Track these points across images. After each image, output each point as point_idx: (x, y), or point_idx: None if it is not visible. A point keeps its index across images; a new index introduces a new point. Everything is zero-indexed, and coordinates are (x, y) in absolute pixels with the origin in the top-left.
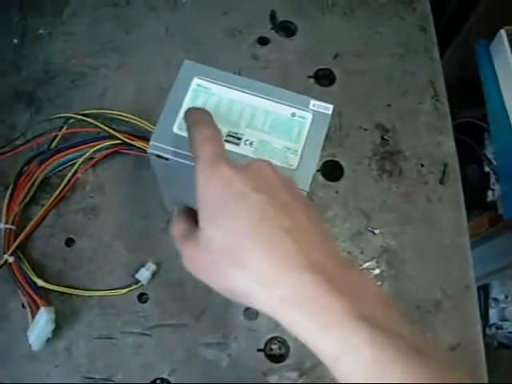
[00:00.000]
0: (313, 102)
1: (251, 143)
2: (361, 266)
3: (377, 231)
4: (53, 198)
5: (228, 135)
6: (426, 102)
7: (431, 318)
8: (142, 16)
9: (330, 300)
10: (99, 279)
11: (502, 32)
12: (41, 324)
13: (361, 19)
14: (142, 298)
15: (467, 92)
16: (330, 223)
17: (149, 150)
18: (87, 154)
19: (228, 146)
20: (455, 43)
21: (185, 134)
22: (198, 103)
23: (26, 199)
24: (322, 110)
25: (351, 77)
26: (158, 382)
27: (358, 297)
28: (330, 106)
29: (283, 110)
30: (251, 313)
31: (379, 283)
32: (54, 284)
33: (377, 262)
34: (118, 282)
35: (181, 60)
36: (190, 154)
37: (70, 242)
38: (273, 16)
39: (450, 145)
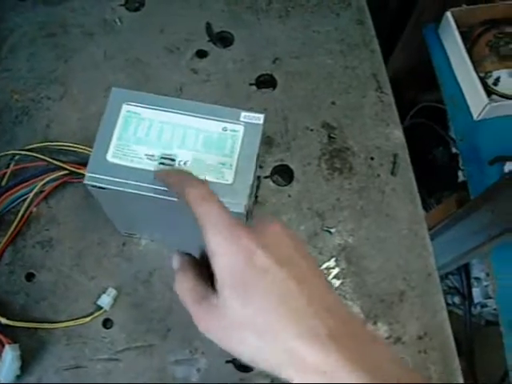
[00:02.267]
0: (244, 113)
1: (185, 163)
2: (320, 266)
3: (333, 230)
4: (8, 234)
5: (162, 157)
6: (370, 95)
7: (396, 310)
8: (79, 43)
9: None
10: (62, 310)
11: (448, 14)
12: (7, 362)
13: (297, 20)
14: (107, 323)
15: (424, 77)
16: (287, 226)
17: (85, 182)
18: (37, 188)
19: (162, 168)
20: (406, 31)
21: (120, 161)
22: (130, 129)
23: None
24: (253, 121)
25: (292, 79)
26: None
27: (378, 369)
28: (261, 116)
29: (214, 126)
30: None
31: (340, 281)
32: (18, 320)
33: (336, 261)
34: (82, 311)
35: (122, 82)
36: (125, 180)
37: (30, 277)
38: (208, 28)
39: (398, 135)
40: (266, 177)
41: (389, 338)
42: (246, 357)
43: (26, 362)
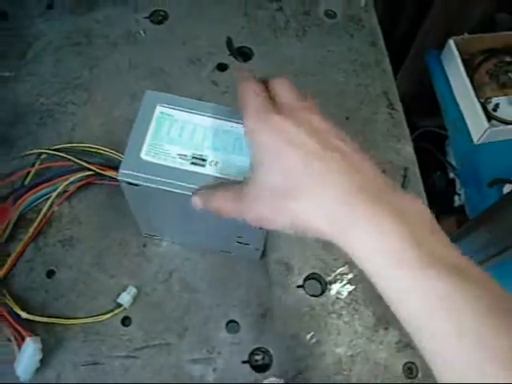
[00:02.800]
0: None
1: (216, 163)
2: (334, 271)
3: None
4: (30, 232)
5: (193, 157)
6: (381, 111)
7: None
8: (103, 52)
9: (381, 218)
10: (81, 307)
11: (451, 42)
12: (28, 354)
13: (313, 40)
14: (126, 321)
15: (425, 102)
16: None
17: (119, 178)
18: (61, 188)
19: (194, 168)
20: (409, 57)
21: (153, 159)
22: (163, 129)
23: (4, 237)
24: None
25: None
26: None
27: (407, 217)
28: None
29: (243, 130)
30: (233, 326)
31: (354, 287)
32: (37, 315)
33: (349, 267)
34: (101, 308)
35: (144, 90)
36: (159, 178)
37: (50, 274)
38: (229, 42)
39: (408, 150)
40: None
41: (398, 344)
42: (286, 223)
43: (43, 357)
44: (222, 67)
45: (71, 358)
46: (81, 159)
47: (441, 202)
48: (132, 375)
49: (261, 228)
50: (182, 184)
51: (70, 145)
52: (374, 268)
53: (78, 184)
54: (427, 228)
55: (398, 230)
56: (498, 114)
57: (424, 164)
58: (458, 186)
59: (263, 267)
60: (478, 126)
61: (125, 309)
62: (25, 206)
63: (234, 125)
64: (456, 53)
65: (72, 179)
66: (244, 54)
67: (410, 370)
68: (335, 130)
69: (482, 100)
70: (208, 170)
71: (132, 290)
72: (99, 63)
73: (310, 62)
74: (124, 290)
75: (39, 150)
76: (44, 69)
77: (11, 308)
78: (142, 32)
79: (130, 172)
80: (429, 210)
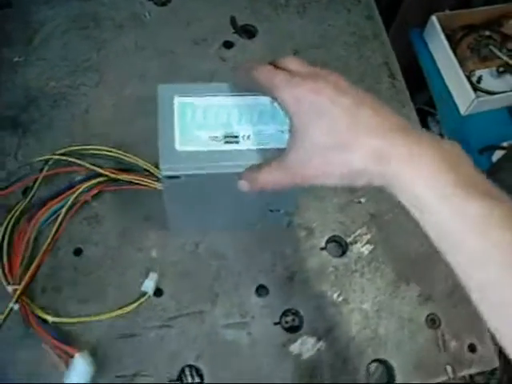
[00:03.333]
0: None
1: (248, 137)
2: (354, 232)
3: (363, 200)
4: (45, 246)
5: (225, 136)
6: (383, 81)
7: (427, 269)
8: (110, 34)
9: (419, 146)
10: (109, 283)
11: (434, 18)
12: (79, 371)
13: (313, 15)
14: (157, 292)
15: (411, 78)
16: (321, 200)
17: (162, 174)
18: (70, 202)
19: (229, 147)
20: (390, 35)
21: (188, 147)
22: (187, 117)
23: (26, 259)
24: None
25: None
26: (186, 369)
27: (442, 144)
28: None
29: (263, 100)
30: (262, 291)
31: (373, 246)
32: (64, 316)
33: (367, 228)
34: (130, 284)
35: (154, 70)
36: (201, 164)
37: (78, 252)
38: (233, 21)
39: (412, 116)
40: None
41: (419, 297)
42: (337, 175)
43: (79, 333)
44: (228, 45)
45: (108, 331)
46: (90, 163)
47: None
48: (168, 344)
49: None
50: (224, 164)
51: (77, 147)
52: (417, 193)
53: (88, 194)
54: (460, 158)
55: (434, 156)
56: (482, 85)
57: None
58: None
59: (286, 233)
60: (464, 98)
61: (149, 296)
62: (39, 225)
63: (252, 97)
64: (439, 28)
65: (81, 190)
66: (248, 32)
67: (432, 320)
68: (355, 87)
69: (466, 73)
70: (243, 144)
71: (154, 276)
72: (106, 45)
73: (311, 37)
74: (147, 277)
75: (48, 157)
76: (52, 53)
77: (38, 316)
78: (146, 14)
79: (171, 165)
80: (457, 144)
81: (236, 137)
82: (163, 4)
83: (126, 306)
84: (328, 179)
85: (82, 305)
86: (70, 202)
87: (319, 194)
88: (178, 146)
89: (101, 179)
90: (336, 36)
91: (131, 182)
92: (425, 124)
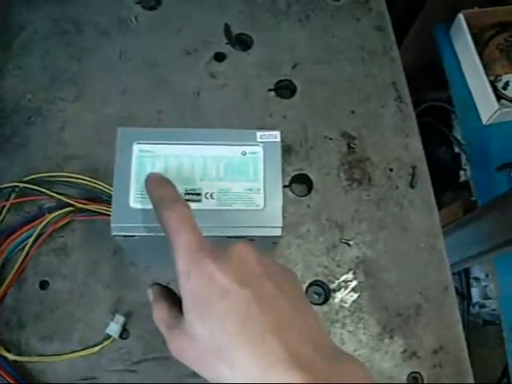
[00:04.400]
0: (259, 133)
1: (212, 195)
2: (338, 279)
3: (351, 242)
4: (6, 283)
5: (186, 193)
6: (389, 104)
7: (412, 323)
8: (93, 42)
9: None
10: (78, 319)
11: (461, 16)
12: None
13: (316, 24)
14: (124, 333)
15: (430, 75)
16: (304, 239)
17: (112, 233)
18: (36, 232)
19: (190, 205)
20: (414, 28)
21: (143, 205)
22: (146, 169)
23: None
24: (270, 140)
25: (312, 86)
26: None
27: None
28: (277, 133)
29: (233, 152)
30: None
31: (358, 294)
32: (26, 353)
33: (354, 274)
34: (98, 320)
35: (138, 85)
36: (154, 224)
37: (44, 285)
38: (227, 30)
39: (417, 146)
40: (284, 186)
41: (404, 353)
42: (209, 379)
43: (41, 370)
44: (219, 57)
45: (70, 372)
46: (58, 192)
47: (446, 178)
48: None
49: (274, 242)
50: None
51: (46, 174)
52: None
53: (57, 224)
54: None
55: None
56: (508, 92)
57: (428, 139)
58: (463, 161)
59: None
60: (487, 107)
61: (114, 339)
62: (5, 256)
63: (220, 148)
64: (465, 27)
65: (51, 218)
66: (243, 42)
67: (415, 379)
68: (275, 270)
69: (492, 78)
70: (205, 204)
71: (120, 319)
72: (89, 55)
73: (313, 50)
74: (112, 320)
75: (14, 184)
76: (32, 61)
77: None
78: (133, 19)
79: (122, 225)
80: (365, 379)
81: (198, 194)
82: (152, 8)
83: (90, 347)
84: (200, 373)
85: (45, 342)
86: (37, 232)
87: (302, 229)
88: (132, 203)
89: (71, 208)
90: (341, 49)
91: (101, 213)
92: (446, 122)
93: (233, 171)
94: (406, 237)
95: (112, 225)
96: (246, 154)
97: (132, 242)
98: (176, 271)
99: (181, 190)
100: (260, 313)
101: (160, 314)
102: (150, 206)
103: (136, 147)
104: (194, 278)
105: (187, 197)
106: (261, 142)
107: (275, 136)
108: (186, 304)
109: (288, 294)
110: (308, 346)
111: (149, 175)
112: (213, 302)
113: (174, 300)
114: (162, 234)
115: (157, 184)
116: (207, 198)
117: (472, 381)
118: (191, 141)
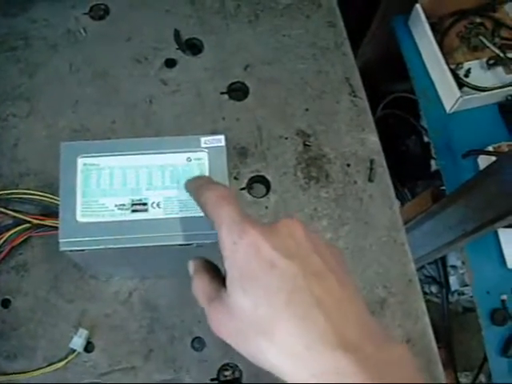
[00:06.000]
0: (203, 139)
1: (158, 204)
2: None
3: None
4: None
5: (133, 204)
6: (343, 99)
7: (378, 317)
8: (43, 56)
9: (366, 381)
10: (41, 335)
11: (418, 6)
12: None
13: (267, 24)
14: (88, 346)
15: (394, 67)
16: None
17: (61, 249)
18: None
19: (136, 216)
20: (375, 21)
21: (90, 219)
22: (92, 182)
23: None
24: (215, 144)
25: (265, 86)
26: None
27: (394, 376)
28: (222, 137)
29: (177, 159)
30: (199, 343)
31: None
32: None
33: None
34: (61, 336)
35: (90, 97)
36: (102, 237)
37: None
38: (176, 35)
39: (373, 140)
40: (241, 188)
41: None
42: (261, 363)
43: None
44: (170, 63)
45: None
46: (14, 209)
47: (417, 167)
48: None
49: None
50: (129, 237)
51: (0, 192)
52: None
53: (15, 241)
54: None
55: None
56: (470, 79)
57: (397, 129)
58: (433, 150)
59: None
60: (449, 95)
61: (79, 353)
62: None
63: (164, 156)
64: (423, 17)
65: (8, 235)
66: (193, 47)
67: None
68: (322, 246)
69: (453, 66)
70: (152, 213)
71: (83, 333)
72: (39, 69)
73: (264, 50)
74: (75, 334)
75: None
76: None
77: None
78: (82, 30)
79: (70, 240)
80: (411, 360)
81: (145, 204)
82: (101, 18)
83: (55, 363)
84: (237, 348)
85: (10, 360)
86: None
87: None
88: (80, 218)
89: (28, 225)
90: (292, 47)
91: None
92: (414, 112)
93: (178, 179)
94: (367, 231)
95: (60, 240)
96: (190, 160)
97: (84, 256)
98: (220, 246)
99: (127, 200)
100: (307, 287)
101: (201, 285)
102: (97, 219)
103: (80, 161)
104: (241, 248)
105: (134, 207)
106: (205, 148)
107: (219, 140)
108: (231, 274)
109: (335, 271)
110: (355, 327)
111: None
112: (259, 273)
113: (215, 273)
114: (112, 246)
115: (193, 179)
116: (154, 208)
117: (441, 370)
118: (136, 151)
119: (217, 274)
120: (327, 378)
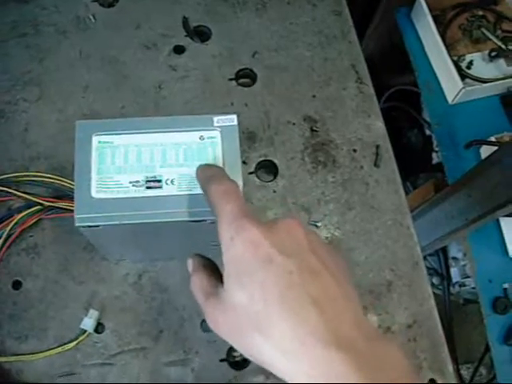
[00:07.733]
0: (216, 118)
1: (172, 181)
2: None
3: (319, 224)
4: None
5: (147, 181)
6: (350, 86)
7: (385, 300)
8: (52, 42)
9: (358, 379)
10: (52, 317)
11: None
12: None
13: (274, 12)
14: (98, 328)
15: (397, 60)
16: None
17: (76, 224)
18: (5, 234)
19: (151, 192)
20: (378, 13)
21: (105, 195)
22: (107, 160)
23: None
24: (228, 124)
25: (272, 73)
26: None
27: (386, 375)
28: (234, 117)
29: (191, 137)
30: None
31: None
32: (2, 353)
33: None
34: (72, 316)
35: (99, 82)
36: (117, 213)
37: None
38: (185, 22)
39: (379, 126)
40: (250, 173)
41: (378, 328)
42: (256, 359)
43: (19, 369)
44: (179, 50)
45: (48, 369)
46: (25, 192)
47: (419, 160)
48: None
49: None
50: (143, 213)
51: (12, 175)
52: None
53: (26, 224)
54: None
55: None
56: (472, 71)
57: (399, 122)
58: (435, 143)
59: None
60: (451, 86)
61: (90, 333)
62: None
63: (178, 134)
64: (426, 10)
65: (20, 218)
66: (202, 34)
67: None
68: (321, 246)
69: (456, 58)
70: (166, 190)
71: (94, 314)
72: (49, 55)
73: (271, 37)
74: (86, 315)
75: None
76: None
77: None
78: (91, 17)
79: (86, 215)
80: (403, 359)
81: (159, 181)
82: (110, 5)
83: (66, 343)
84: (233, 344)
85: (21, 341)
86: (6, 233)
87: (269, 214)
88: (95, 193)
89: (39, 207)
90: (299, 35)
91: (70, 210)
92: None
93: (192, 156)
94: (373, 215)
95: (76, 216)
96: (203, 138)
97: (98, 234)
98: (220, 240)
99: (142, 177)
100: (302, 284)
101: (198, 282)
102: (112, 196)
103: (95, 139)
104: (238, 242)
105: (148, 184)
106: (218, 127)
107: (232, 120)
108: (228, 269)
109: (331, 270)
110: (349, 324)
111: (199, 165)
112: (255, 268)
113: (213, 270)
114: (126, 222)
115: (205, 167)
116: (168, 184)
117: (447, 352)
118: (149, 129)
119: (215, 272)
120: (319, 375)
